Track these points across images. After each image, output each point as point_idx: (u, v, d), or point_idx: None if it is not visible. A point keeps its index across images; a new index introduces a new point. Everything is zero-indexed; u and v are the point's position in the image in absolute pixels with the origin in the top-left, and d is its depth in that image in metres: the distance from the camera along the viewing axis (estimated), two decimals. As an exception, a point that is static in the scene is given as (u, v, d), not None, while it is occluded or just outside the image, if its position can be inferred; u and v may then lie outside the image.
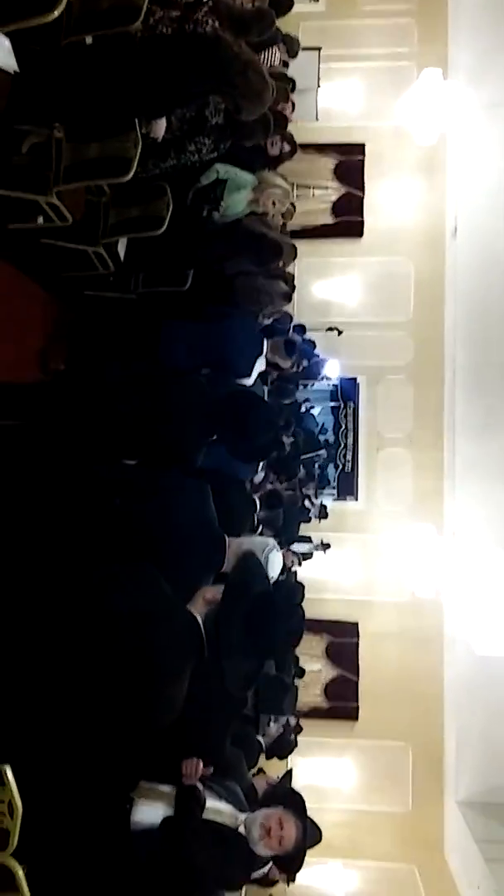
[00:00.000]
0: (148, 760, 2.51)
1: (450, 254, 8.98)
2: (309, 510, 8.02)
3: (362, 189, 9.27)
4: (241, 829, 2.55)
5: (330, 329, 9.01)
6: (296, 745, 6.05)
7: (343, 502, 9.43)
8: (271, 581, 2.66)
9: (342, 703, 8.91)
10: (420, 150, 9.13)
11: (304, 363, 6.96)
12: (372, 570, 9.19)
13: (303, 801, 2.67)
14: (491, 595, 6.91)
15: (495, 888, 6.82)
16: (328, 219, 9.29)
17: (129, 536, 2.46)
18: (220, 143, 3.62)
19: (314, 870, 7.42)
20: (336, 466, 9.45)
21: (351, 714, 8.90)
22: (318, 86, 8.81)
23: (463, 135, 8.64)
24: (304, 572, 7.63)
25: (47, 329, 4.32)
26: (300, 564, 7.32)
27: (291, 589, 6.06)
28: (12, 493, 2.64)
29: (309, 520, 8.03)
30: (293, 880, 2.96)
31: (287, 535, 6.42)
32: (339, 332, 9.01)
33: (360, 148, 9.26)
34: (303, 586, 6.45)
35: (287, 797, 2.74)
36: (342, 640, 8.97)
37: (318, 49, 8.64)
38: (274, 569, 2.82)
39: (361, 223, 9.28)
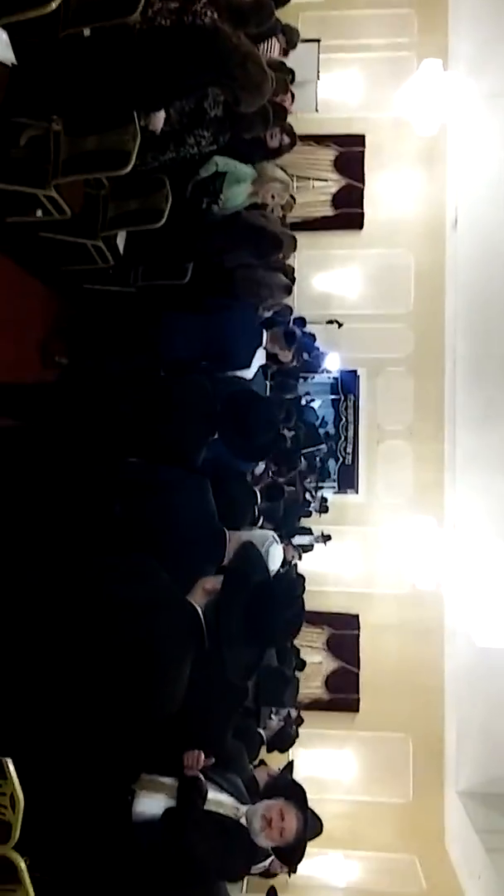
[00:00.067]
0: (149, 752, 2.51)
1: (450, 245, 8.94)
2: (310, 503, 8.02)
3: (362, 181, 9.21)
4: (243, 821, 2.56)
5: (330, 322, 8.97)
6: (297, 737, 6.07)
7: (343, 495, 9.41)
8: (272, 574, 2.67)
9: (343, 694, 8.92)
10: (420, 142, 9.07)
11: (305, 356, 6.96)
12: (372, 563, 9.18)
13: (304, 793, 2.67)
14: (491, 587, 6.92)
15: (496, 878, 6.84)
16: (328, 211, 9.23)
17: (130, 533, 2.47)
18: (220, 135, 3.61)
19: (315, 861, 7.43)
20: (336, 459, 9.44)
21: (352, 706, 8.90)
22: (318, 77, 8.72)
23: (463, 126, 8.59)
24: (304, 564, 7.63)
25: (47, 324, 4.31)
26: (300, 558, 7.33)
27: (292, 581, 6.06)
28: (13, 493, 2.64)
29: (310, 514, 8.03)
30: (294, 871, 2.98)
31: (287, 528, 6.43)
32: (340, 325, 8.99)
33: (360, 139, 9.19)
34: (303, 578, 6.46)
35: (288, 788, 2.74)
36: (343, 632, 8.98)
37: (318, 40, 8.56)
38: (274, 562, 2.83)
39: (361, 215, 9.22)
